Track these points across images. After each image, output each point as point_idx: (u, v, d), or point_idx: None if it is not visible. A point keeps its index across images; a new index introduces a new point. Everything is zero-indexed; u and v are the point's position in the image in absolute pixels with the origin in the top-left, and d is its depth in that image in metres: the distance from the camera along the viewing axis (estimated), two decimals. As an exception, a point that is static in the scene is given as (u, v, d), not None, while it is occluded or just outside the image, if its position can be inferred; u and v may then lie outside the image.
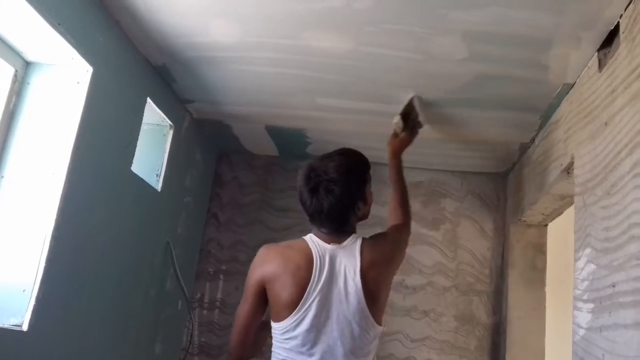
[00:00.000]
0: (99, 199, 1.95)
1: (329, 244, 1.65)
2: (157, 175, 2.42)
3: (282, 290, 1.60)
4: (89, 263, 1.93)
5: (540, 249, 2.79)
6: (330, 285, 1.60)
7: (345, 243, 1.66)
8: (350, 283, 1.60)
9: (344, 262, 1.62)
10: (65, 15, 1.65)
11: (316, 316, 1.57)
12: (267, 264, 1.65)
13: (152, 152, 2.44)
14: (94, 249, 1.95)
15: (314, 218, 1.68)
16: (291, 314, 1.58)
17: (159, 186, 2.43)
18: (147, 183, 2.32)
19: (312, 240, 1.67)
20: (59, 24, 1.63)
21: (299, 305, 1.58)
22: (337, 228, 1.67)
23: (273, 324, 1.64)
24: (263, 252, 1.71)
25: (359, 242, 1.67)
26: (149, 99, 2.25)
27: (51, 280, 1.69)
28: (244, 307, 1.67)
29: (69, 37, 1.68)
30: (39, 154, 1.74)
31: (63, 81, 1.80)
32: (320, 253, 1.63)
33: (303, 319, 1.58)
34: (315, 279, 1.59)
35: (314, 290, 1.58)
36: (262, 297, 1.65)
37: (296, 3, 1.72)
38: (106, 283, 2.07)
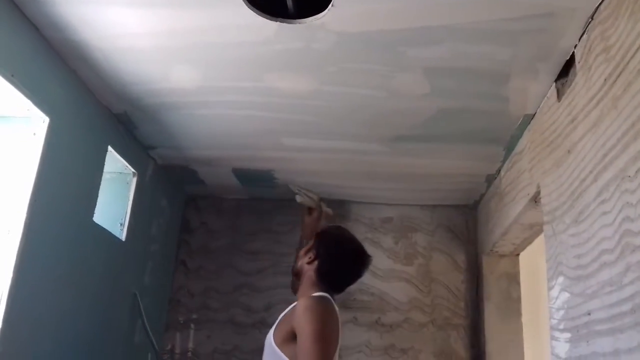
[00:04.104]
0: (59, 253, 1.87)
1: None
2: (121, 225, 2.35)
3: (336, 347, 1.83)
4: (50, 320, 1.84)
5: (514, 278, 2.79)
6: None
7: None
8: None
9: None
10: (19, 67, 1.61)
11: None
12: (337, 324, 1.85)
13: (115, 201, 2.37)
14: (55, 305, 1.86)
15: (342, 285, 2.00)
16: None
17: (123, 236, 2.35)
18: (110, 233, 2.25)
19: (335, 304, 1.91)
20: (13, 75, 1.58)
21: None
22: None
23: None
24: (334, 313, 1.86)
25: None
26: (110, 147, 2.20)
27: (10, 340, 1.60)
28: (328, 354, 1.75)
29: (23, 88, 1.63)
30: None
31: (19, 133, 1.75)
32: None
33: None
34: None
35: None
36: None
37: (256, 46, 1.72)
38: (70, 340, 1.97)
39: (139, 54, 1.80)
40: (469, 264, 2.98)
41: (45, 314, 1.81)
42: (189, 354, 2.91)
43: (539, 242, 2.45)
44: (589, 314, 1.44)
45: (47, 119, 1.76)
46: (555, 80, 1.80)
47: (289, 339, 1.82)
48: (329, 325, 1.80)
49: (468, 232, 3.04)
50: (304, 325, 1.76)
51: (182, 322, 2.96)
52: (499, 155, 2.38)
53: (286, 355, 1.80)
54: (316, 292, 1.91)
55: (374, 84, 1.90)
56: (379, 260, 3.00)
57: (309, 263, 1.97)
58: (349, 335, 2.89)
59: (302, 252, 2.05)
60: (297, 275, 2.04)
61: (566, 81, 1.73)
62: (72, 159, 1.93)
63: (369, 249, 2.98)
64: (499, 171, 2.53)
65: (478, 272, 2.91)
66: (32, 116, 1.74)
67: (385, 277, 2.98)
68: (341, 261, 1.99)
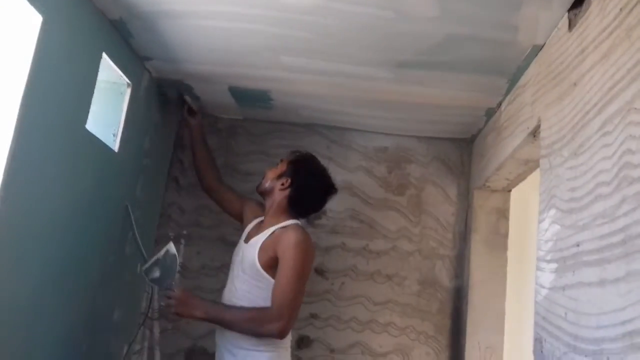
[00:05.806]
0: (51, 157, 1.85)
1: None
2: (114, 135, 2.32)
3: None
4: (41, 226, 1.83)
5: (503, 214, 2.82)
6: None
7: None
8: None
9: None
10: (10, -43, 1.53)
11: None
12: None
13: (108, 111, 2.32)
14: (45, 212, 1.85)
15: (308, 214, 2.26)
16: None
17: (116, 146, 2.32)
18: (103, 142, 2.21)
19: None
20: (4, -35, 1.50)
21: None
22: None
23: None
24: (313, 245, 2.13)
25: None
26: (104, 55, 2.13)
27: None
28: (303, 288, 2.02)
29: (14, -20, 1.55)
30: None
31: (10, 31, 1.68)
32: None
33: None
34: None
35: None
36: None
37: (261, -48, 1.64)
38: (60, 248, 1.97)
39: (137, -46, 1.71)
40: (460, 198, 3.00)
41: (36, 218, 1.80)
42: (178, 267, 2.95)
43: (532, 179, 2.46)
44: (578, 245, 1.45)
45: (40, 18, 1.68)
46: (569, 10, 1.73)
47: (272, 265, 1.96)
48: (310, 261, 2.03)
49: (462, 166, 3.04)
50: (290, 259, 1.97)
51: (172, 237, 2.97)
52: (502, 87, 2.34)
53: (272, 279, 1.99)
54: (288, 219, 2.06)
55: (382, 3, 1.82)
56: (371, 188, 3.02)
57: (282, 189, 2.03)
58: (336, 260, 2.94)
59: (271, 173, 2.12)
60: (262, 193, 2.13)
61: (579, 11, 1.67)
62: (66, 61, 1.86)
63: (362, 177, 3.03)
64: (499, 105, 2.49)
65: (468, 206, 2.94)
66: (24, 12, 1.66)
67: (376, 206, 3.00)
68: (314, 192, 2.14)
